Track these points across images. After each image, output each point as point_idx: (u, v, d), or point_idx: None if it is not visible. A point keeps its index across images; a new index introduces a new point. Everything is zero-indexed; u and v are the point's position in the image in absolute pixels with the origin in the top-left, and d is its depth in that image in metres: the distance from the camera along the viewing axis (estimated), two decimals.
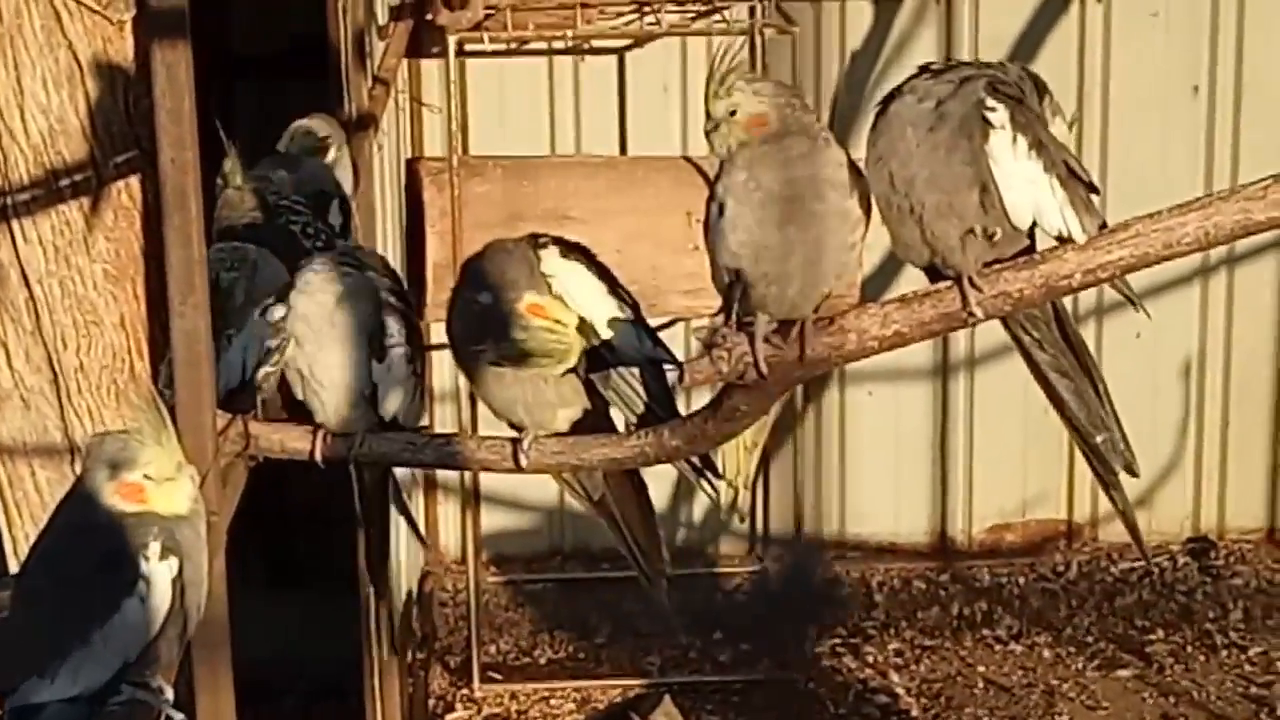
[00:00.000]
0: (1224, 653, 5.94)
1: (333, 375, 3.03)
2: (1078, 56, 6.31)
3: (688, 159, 5.96)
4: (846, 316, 2.70)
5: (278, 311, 3.04)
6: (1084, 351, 2.92)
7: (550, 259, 2.96)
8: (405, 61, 5.97)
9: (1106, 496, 3.02)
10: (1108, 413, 2.92)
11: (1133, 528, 3.13)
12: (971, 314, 2.67)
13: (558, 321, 2.83)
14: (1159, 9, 6.30)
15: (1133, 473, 2.96)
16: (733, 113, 2.69)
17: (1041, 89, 2.77)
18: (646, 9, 5.97)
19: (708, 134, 2.71)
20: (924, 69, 2.79)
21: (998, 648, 6.02)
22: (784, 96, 2.71)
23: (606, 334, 2.94)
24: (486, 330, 2.89)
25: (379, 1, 5.58)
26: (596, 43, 6.24)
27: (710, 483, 3.09)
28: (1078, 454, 6.53)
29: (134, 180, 3.39)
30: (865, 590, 6.40)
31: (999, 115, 2.67)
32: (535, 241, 2.99)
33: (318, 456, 3.00)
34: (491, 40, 5.80)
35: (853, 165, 2.70)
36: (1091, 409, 2.91)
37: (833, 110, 6.19)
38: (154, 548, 2.44)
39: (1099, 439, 2.92)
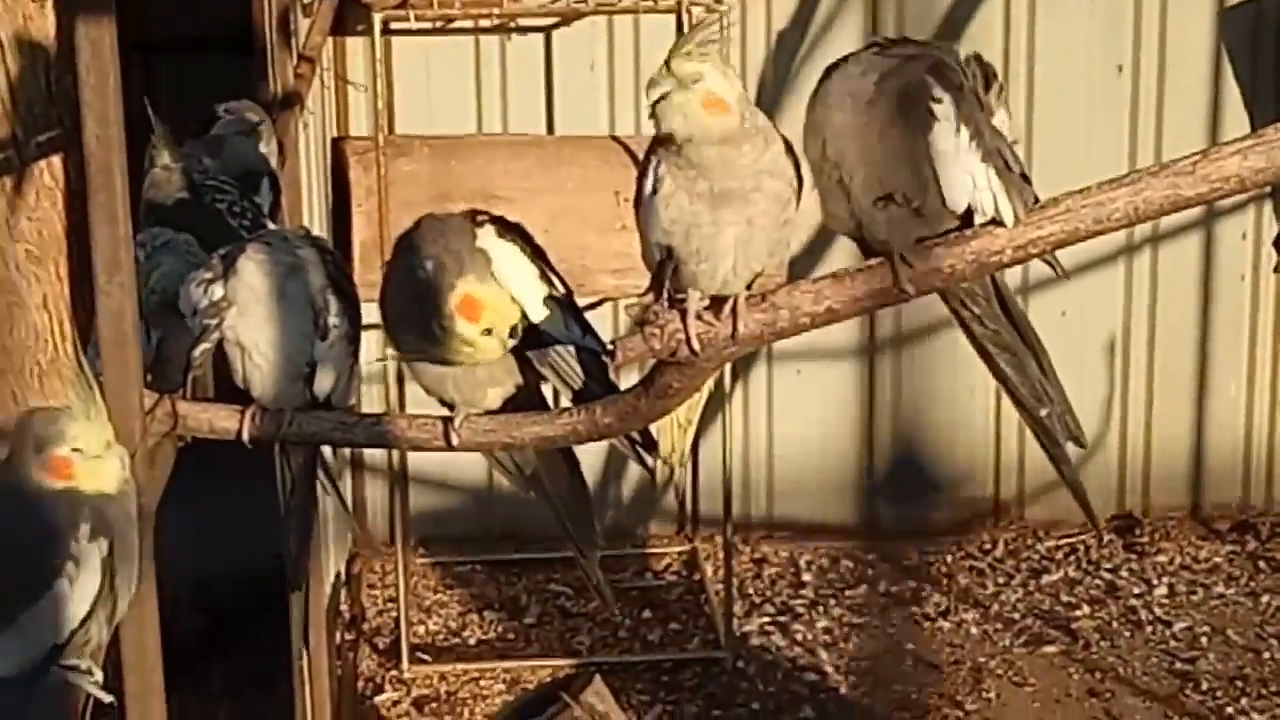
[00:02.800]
0: (1149, 629, 5.99)
1: (275, 350, 3.00)
2: (1003, 35, 6.33)
3: (615, 138, 5.96)
4: (779, 293, 2.69)
5: (217, 290, 3.02)
6: (1025, 325, 2.92)
7: (487, 237, 2.94)
8: (330, 39, 5.93)
9: (1055, 469, 3.02)
10: (1052, 385, 2.93)
11: (1082, 499, 3.15)
12: (903, 290, 2.67)
13: (486, 331, 2.82)
14: None
15: (1080, 444, 2.97)
16: (695, 82, 2.64)
17: (990, 77, 2.76)
18: None
19: (654, 104, 2.65)
20: (872, 43, 2.78)
21: (925, 625, 6.05)
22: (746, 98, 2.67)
23: (538, 319, 2.92)
24: (417, 311, 2.87)
25: None
26: (523, 21, 6.22)
27: (647, 460, 3.08)
28: (1003, 432, 6.62)
29: (56, 160, 3.35)
30: (794, 569, 6.41)
31: (944, 107, 2.66)
32: (473, 218, 2.97)
33: (245, 436, 2.97)
34: (417, 19, 5.77)
35: (790, 149, 2.70)
36: (1034, 383, 2.92)
37: (759, 89, 6.19)
38: (84, 529, 2.42)
39: (1043, 413, 2.93)
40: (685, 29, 5.83)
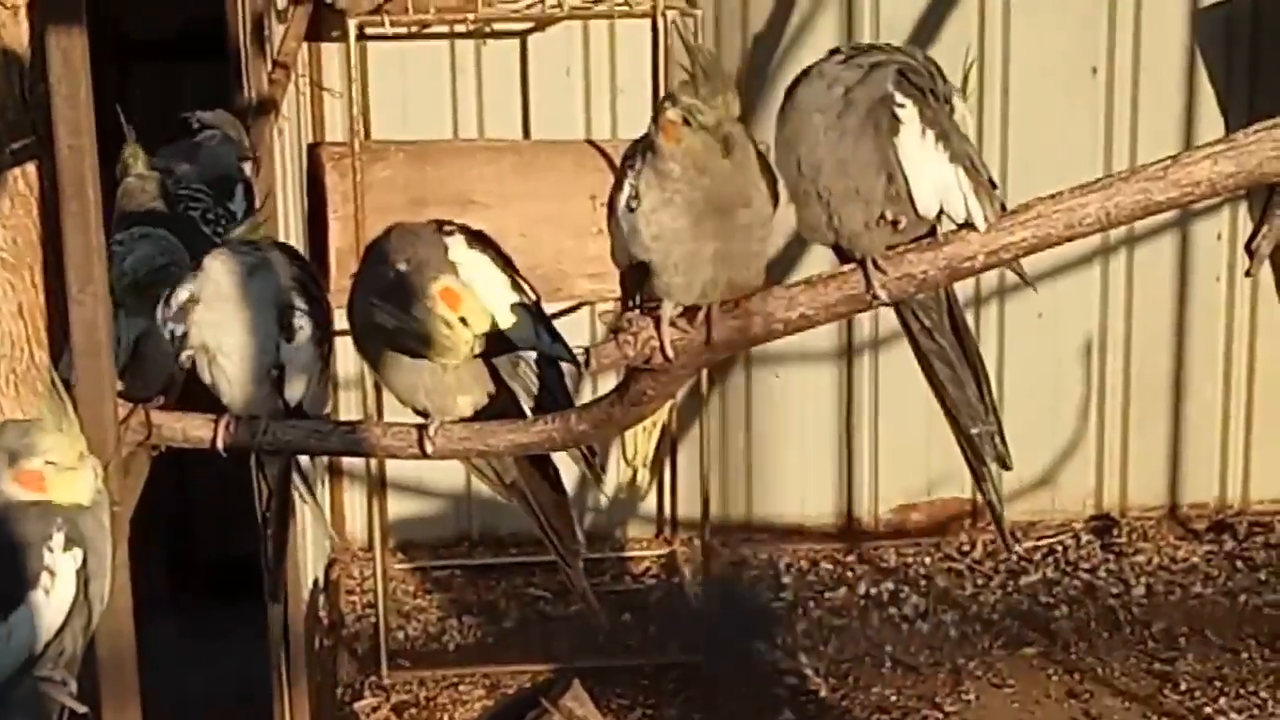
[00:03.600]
0: (1127, 629, 6.00)
1: (240, 352, 3.00)
2: (978, 38, 6.34)
3: (591, 142, 5.96)
4: (752, 300, 2.70)
5: (183, 294, 3.01)
6: (970, 342, 2.94)
7: (456, 247, 2.94)
8: (305, 45, 5.92)
9: (976, 487, 3.04)
10: (987, 405, 2.94)
11: (998, 519, 3.17)
12: (876, 296, 2.68)
13: (461, 320, 2.82)
14: None
15: (1005, 466, 2.99)
16: (723, 122, 2.60)
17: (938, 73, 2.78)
18: None
19: (675, 123, 2.60)
20: (834, 52, 2.79)
21: (904, 627, 6.06)
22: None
23: (507, 326, 2.92)
24: (392, 299, 2.87)
25: None
26: (498, 26, 6.22)
27: (595, 470, 3.10)
28: None
29: (31, 167, 3.34)
30: (773, 572, 6.42)
31: (908, 111, 2.68)
32: (441, 228, 2.97)
33: (220, 445, 2.97)
34: (392, 24, 5.76)
35: (763, 158, 2.70)
36: (971, 400, 2.93)
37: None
38: (58, 539, 2.42)
39: (974, 430, 2.94)
40: (660, 34, 5.83)
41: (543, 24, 6.22)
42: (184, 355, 3.00)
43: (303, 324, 3.02)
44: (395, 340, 2.89)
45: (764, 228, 2.71)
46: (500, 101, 6.29)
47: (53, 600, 2.40)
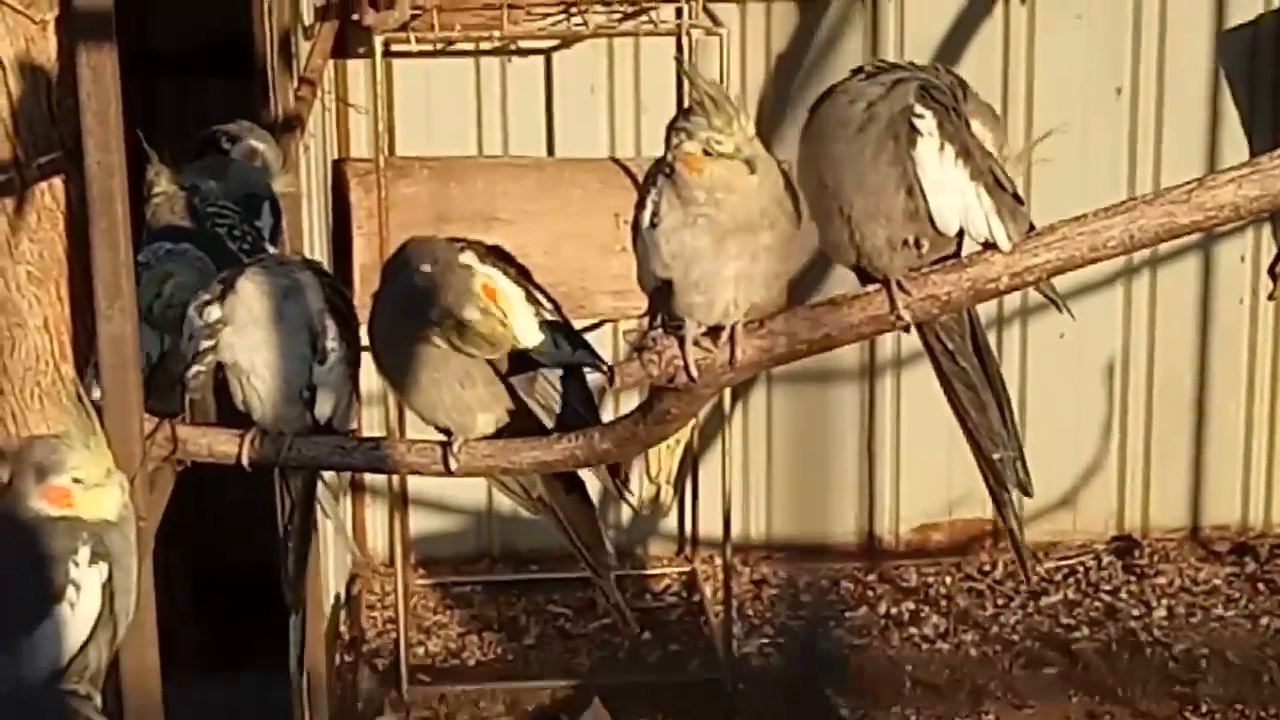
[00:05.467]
0: (1148, 651, 5.99)
1: (272, 373, 3.02)
2: (1002, 58, 6.34)
3: (615, 160, 5.98)
4: (776, 320, 2.71)
5: (214, 312, 3.03)
6: (993, 365, 2.93)
7: (471, 261, 2.95)
8: (331, 62, 5.94)
9: (997, 513, 3.04)
10: (1010, 430, 2.94)
11: (1018, 546, 3.17)
12: (900, 317, 2.69)
13: (504, 312, 2.84)
14: (1082, 11, 6.35)
15: (1027, 493, 2.98)
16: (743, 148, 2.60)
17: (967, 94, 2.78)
18: (573, 10, 5.97)
19: (696, 154, 2.60)
20: (858, 70, 2.80)
21: (925, 647, 6.05)
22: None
23: (525, 340, 2.92)
24: (430, 300, 2.87)
25: (304, 1, 5.55)
26: (523, 43, 6.23)
27: (625, 493, 3.10)
28: None
29: (57, 181, 3.35)
30: (793, 590, 6.41)
31: (926, 122, 2.68)
32: (452, 246, 2.98)
33: (245, 461, 2.99)
34: (418, 41, 5.78)
35: (787, 179, 2.70)
36: (993, 424, 2.93)
37: (759, 112, 6.20)
38: (83, 553, 2.43)
39: (996, 455, 2.94)
40: (686, 52, 5.85)
41: (568, 42, 6.24)
42: (194, 370, 3.01)
43: (334, 345, 3.04)
44: (431, 336, 2.88)
45: (787, 247, 2.71)
46: (525, 119, 6.31)
47: (78, 614, 2.41)
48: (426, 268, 2.90)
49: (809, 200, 2.72)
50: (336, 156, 6.11)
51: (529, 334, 2.92)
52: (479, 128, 6.32)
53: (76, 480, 2.43)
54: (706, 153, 2.62)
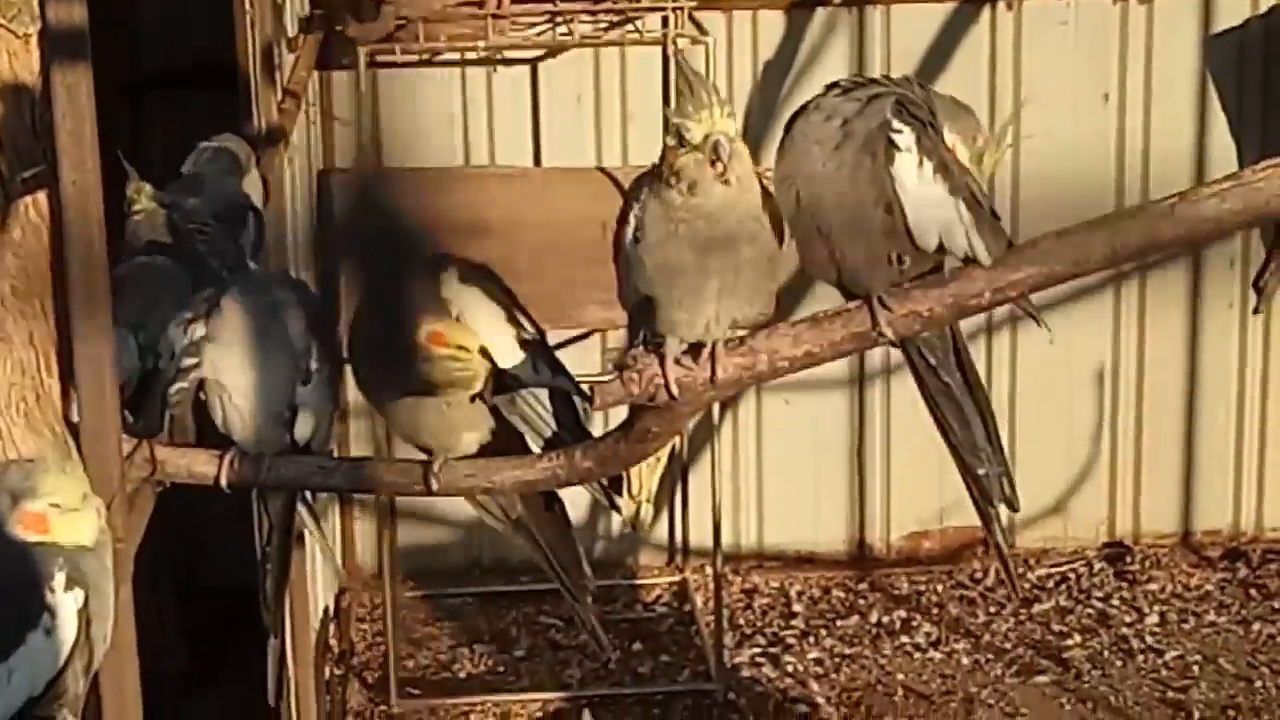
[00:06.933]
0: (1140, 657, 5.98)
1: (255, 393, 3.00)
2: (989, 66, 6.33)
3: (602, 170, 5.96)
4: (757, 337, 2.69)
5: (198, 330, 3.01)
6: (976, 380, 2.92)
7: (450, 283, 2.94)
8: (316, 73, 5.92)
9: (983, 527, 3.02)
10: (995, 445, 2.92)
11: (1004, 560, 3.15)
12: (881, 333, 2.67)
13: (460, 348, 2.81)
14: (1068, 18, 6.34)
15: (1012, 508, 2.96)
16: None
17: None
18: (559, 19, 5.95)
19: (672, 146, 2.60)
20: (833, 86, 2.78)
21: (917, 655, 6.04)
22: None
23: (505, 361, 2.91)
24: (389, 361, 2.87)
25: (288, 13, 5.53)
26: (509, 53, 6.22)
27: (617, 503, 3.08)
28: None
29: (41, 196, 3.34)
30: (784, 599, 6.40)
31: (905, 138, 2.66)
32: (436, 264, 2.96)
33: (224, 481, 2.97)
34: (404, 52, 5.77)
35: (767, 193, 2.68)
36: (978, 440, 2.91)
37: (745, 121, 6.19)
38: (59, 579, 2.42)
39: (981, 471, 2.92)
40: (671, 61, 5.83)
41: (554, 51, 6.22)
42: (176, 387, 2.99)
43: (317, 366, 3.02)
44: (405, 387, 2.88)
45: (770, 263, 2.69)
46: (511, 129, 6.29)
47: (54, 640, 2.40)
48: (383, 327, 2.88)
49: (788, 219, 2.70)
50: (321, 168, 6.09)
51: (506, 355, 2.90)
52: (465, 138, 6.31)
53: (53, 505, 2.41)
54: (682, 143, 2.59)
